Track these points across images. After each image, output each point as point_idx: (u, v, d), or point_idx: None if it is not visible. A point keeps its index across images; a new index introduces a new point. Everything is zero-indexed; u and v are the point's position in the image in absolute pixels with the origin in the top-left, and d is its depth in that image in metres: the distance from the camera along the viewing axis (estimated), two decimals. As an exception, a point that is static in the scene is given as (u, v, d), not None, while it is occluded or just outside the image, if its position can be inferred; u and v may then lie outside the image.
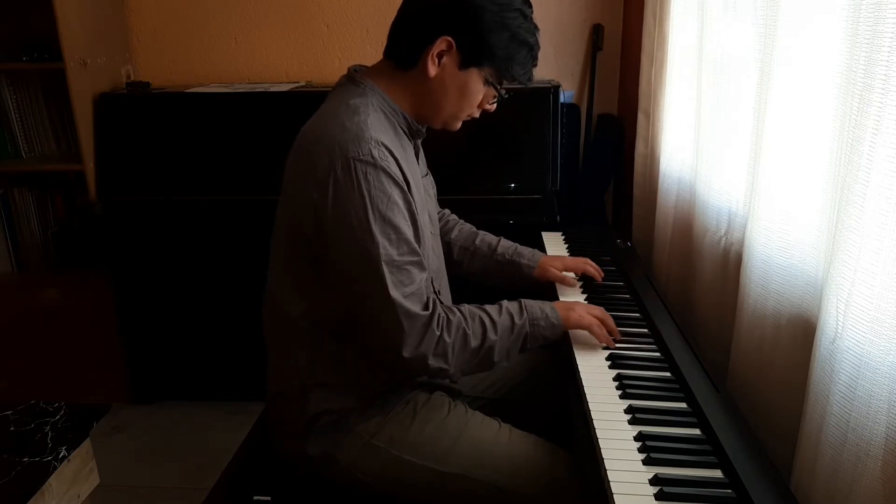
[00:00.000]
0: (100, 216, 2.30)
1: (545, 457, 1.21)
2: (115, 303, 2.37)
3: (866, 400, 0.84)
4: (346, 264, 1.09)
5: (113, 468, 2.05)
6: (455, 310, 1.16)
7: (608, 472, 0.92)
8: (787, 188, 1.10)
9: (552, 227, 2.03)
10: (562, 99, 2.29)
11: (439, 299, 1.17)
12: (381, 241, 1.06)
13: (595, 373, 1.19)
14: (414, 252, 1.11)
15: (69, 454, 1.48)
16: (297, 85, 2.46)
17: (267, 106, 2.32)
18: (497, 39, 1.14)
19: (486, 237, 1.56)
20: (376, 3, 2.49)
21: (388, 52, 1.21)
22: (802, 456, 0.99)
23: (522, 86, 1.24)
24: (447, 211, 1.60)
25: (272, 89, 2.35)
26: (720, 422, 1.03)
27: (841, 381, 0.89)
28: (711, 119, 1.47)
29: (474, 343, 1.15)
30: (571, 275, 1.56)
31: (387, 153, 1.09)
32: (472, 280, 1.54)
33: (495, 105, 1.26)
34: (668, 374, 1.20)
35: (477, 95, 1.20)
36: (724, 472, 0.94)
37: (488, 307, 1.20)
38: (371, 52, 2.51)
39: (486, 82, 1.18)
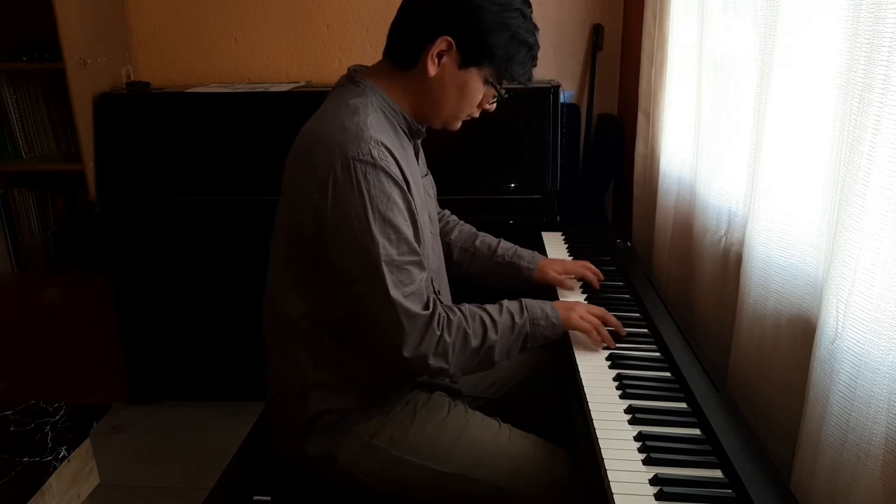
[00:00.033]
0: (100, 216, 2.30)
1: (545, 457, 1.21)
2: (115, 303, 2.37)
3: (866, 400, 0.84)
4: (346, 264, 1.09)
5: (113, 468, 2.05)
6: (455, 309, 1.16)
7: (608, 472, 0.92)
8: (787, 188, 1.10)
9: (552, 227, 2.03)
10: (562, 99, 2.29)
11: (439, 299, 1.17)
12: (381, 240, 1.06)
13: (595, 373, 1.19)
14: (414, 252, 1.11)
15: (69, 454, 1.48)
16: (297, 85, 2.46)
17: (267, 106, 2.32)
18: (497, 39, 1.14)
19: (486, 238, 1.56)
20: (376, 3, 2.49)
21: (388, 51, 1.21)
22: (802, 456, 0.99)
23: (522, 86, 1.24)
24: (447, 212, 1.60)
25: (272, 89, 2.35)
26: (720, 422, 1.03)
27: (841, 381, 0.89)
28: (711, 119, 1.47)
29: (475, 343, 1.15)
30: (572, 279, 1.55)
31: (386, 153, 1.09)
32: (472, 281, 1.54)
33: (495, 105, 1.26)
34: (668, 374, 1.20)
35: (477, 95, 1.20)
36: (724, 472, 0.94)
37: (489, 307, 1.20)
38: (371, 52, 2.51)
39: (486, 82, 1.18)
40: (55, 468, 1.43)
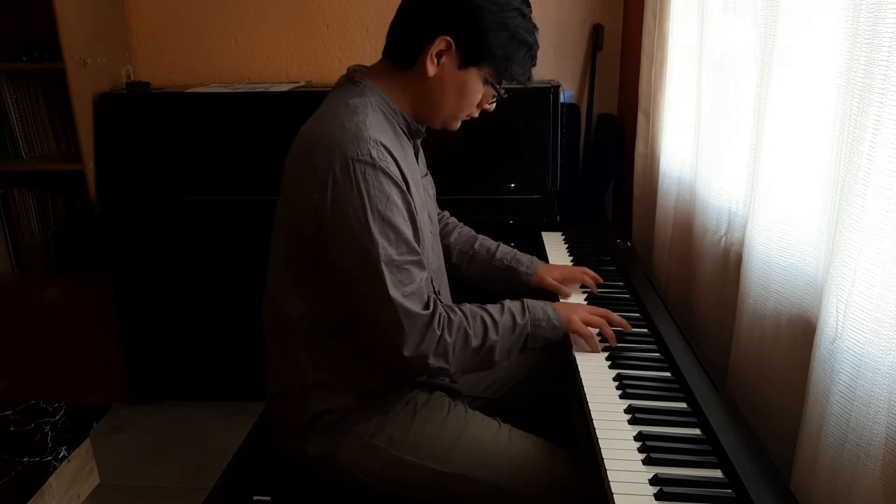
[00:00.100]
0: (100, 216, 2.30)
1: (545, 457, 1.21)
2: (115, 303, 2.37)
3: (866, 400, 0.84)
4: (345, 264, 1.09)
5: (113, 468, 2.05)
6: (456, 309, 1.16)
7: (608, 472, 0.92)
8: (787, 188, 1.10)
9: (552, 227, 2.03)
10: (562, 99, 2.29)
11: (439, 299, 1.17)
12: (381, 241, 1.06)
13: (595, 373, 1.19)
14: (413, 252, 1.11)
15: (69, 454, 1.48)
16: (297, 85, 2.46)
17: (267, 106, 2.32)
18: (496, 39, 1.14)
19: (484, 242, 1.56)
20: (376, 3, 2.49)
21: (388, 51, 1.21)
22: (802, 456, 0.99)
23: (522, 86, 1.23)
24: (446, 213, 1.60)
25: (272, 89, 2.35)
26: (720, 422, 1.03)
27: (841, 381, 0.88)
28: (711, 119, 1.47)
29: (475, 343, 1.15)
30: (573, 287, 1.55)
31: (385, 153, 1.09)
32: (471, 284, 1.54)
33: (494, 105, 1.26)
34: (668, 374, 1.20)
35: (476, 95, 1.20)
36: (724, 472, 0.94)
37: (490, 306, 1.20)
38: (371, 52, 2.51)
39: (486, 82, 1.18)
40: (55, 468, 1.43)
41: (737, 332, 1.27)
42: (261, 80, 2.58)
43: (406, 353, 1.09)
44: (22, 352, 2.41)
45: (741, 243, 1.28)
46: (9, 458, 1.41)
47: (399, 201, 1.09)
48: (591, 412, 1.07)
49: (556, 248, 1.86)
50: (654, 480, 0.91)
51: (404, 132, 1.22)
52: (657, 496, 0.88)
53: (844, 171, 0.89)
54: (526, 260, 1.54)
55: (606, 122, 2.52)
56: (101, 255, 2.34)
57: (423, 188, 1.30)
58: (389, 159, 1.09)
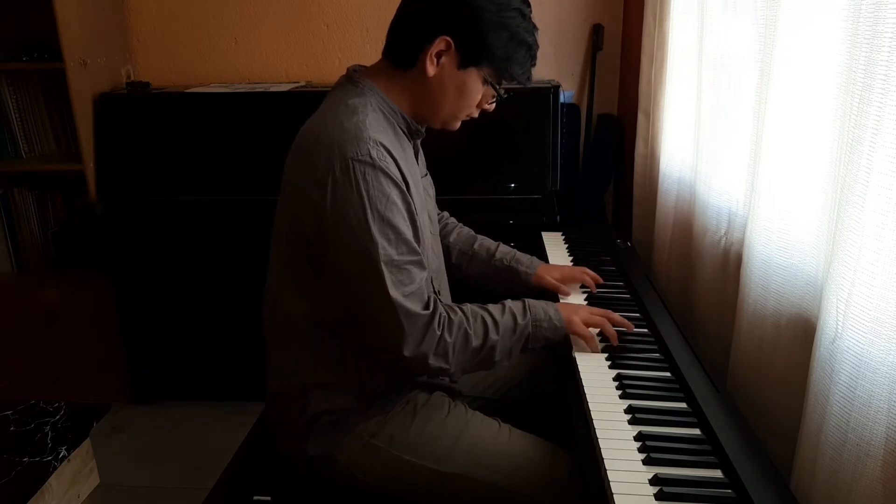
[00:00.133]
0: (100, 216, 2.30)
1: (545, 457, 1.21)
2: (115, 303, 2.37)
3: (866, 400, 0.84)
4: (345, 264, 1.09)
5: (113, 468, 2.05)
6: (457, 309, 1.16)
7: (608, 472, 0.92)
8: (787, 188, 1.10)
9: (552, 227, 2.03)
10: (562, 99, 2.29)
11: (439, 299, 1.17)
12: (380, 241, 1.06)
13: (595, 373, 1.19)
14: (413, 252, 1.11)
15: (69, 454, 1.48)
16: (297, 85, 2.46)
17: (267, 106, 2.32)
18: (496, 39, 1.14)
19: (484, 242, 1.56)
20: (376, 3, 2.49)
21: (387, 51, 1.21)
22: (802, 456, 0.99)
23: (522, 86, 1.23)
24: (445, 213, 1.60)
25: (272, 89, 2.35)
26: (720, 422, 1.03)
27: (841, 381, 0.88)
28: (711, 119, 1.47)
29: (476, 343, 1.15)
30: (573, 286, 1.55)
31: (385, 153, 1.09)
32: (470, 284, 1.54)
33: (494, 105, 1.26)
34: (668, 374, 1.20)
35: (476, 95, 1.20)
36: (724, 472, 0.94)
37: (491, 306, 1.20)
38: (371, 52, 2.51)
39: (485, 82, 1.18)
40: (55, 468, 1.43)
41: (737, 332, 1.27)
42: (261, 80, 2.58)
43: (406, 353, 1.09)
44: (22, 352, 2.41)
45: (741, 243, 1.28)
46: (9, 458, 1.41)
47: (399, 201, 1.09)
48: (591, 412, 1.07)
49: (556, 248, 1.86)
50: (654, 480, 0.91)
51: (404, 132, 1.22)
52: (657, 496, 0.88)
53: (844, 171, 0.89)
54: (526, 260, 1.54)
55: (606, 122, 2.52)
56: (101, 255, 2.34)
57: (422, 188, 1.30)
58: (389, 159, 1.09)
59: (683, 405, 1.10)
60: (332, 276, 1.12)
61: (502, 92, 1.22)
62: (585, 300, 1.48)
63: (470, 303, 1.21)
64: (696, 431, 1.03)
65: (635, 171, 2.06)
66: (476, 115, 1.25)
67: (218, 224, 2.24)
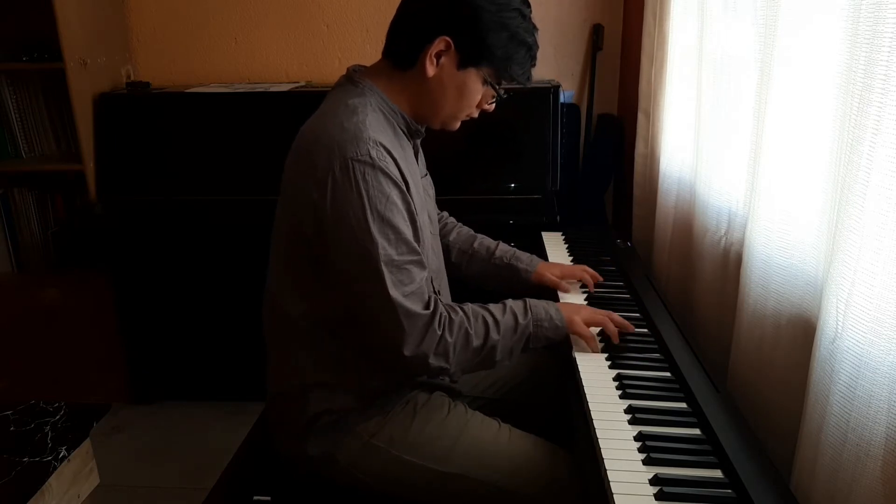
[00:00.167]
0: (100, 216, 2.30)
1: (545, 457, 1.21)
2: (115, 303, 2.37)
3: (866, 400, 0.84)
4: (345, 264, 1.09)
5: (113, 468, 2.05)
6: (458, 309, 1.16)
7: (608, 472, 0.92)
8: (787, 188, 1.10)
9: (552, 227, 2.03)
10: (562, 99, 2.29)
11: (440, 299, 1.17)
12: (380, 241, 1.06)
13: (595, 373, 1.19)
14: (413, 251, 1.11)
15: (69, 454, 1.48)
16: (297, 85, 2.46)
17: (267, 106, 2.32)
18: (495, 39, 1.14)
19: (484, 240, 1.56)
20: (376, 3, 2.49)
21: (387, 51, 1.21)
22: (802, 456, 0.99)
23: (522, 86, 1.23)
24: (445, 213, 1.60)
25: (272, 89, 2.35)
26: (720, 422, 1.03)
27: (841, 381, 0.88)
28: (711, 119, 1.47)
29: (476, 342, 1.15)
30: (570, 282, 1.55)
31: (385, 153, 1.09)
32: (470, 283, 1.54)
33: (494, 105, 1.26)
34: (668, 374, 1.20)
35: (475, 95, 1.20)
36: (724, 472, 0.94)
37: (492, 306, 1.20)
38: (371, 52, 2.51)
39: (485, 82, 1.18)
40: (55, 468, 1.43)
41: (737, 332, 1.27)
42: (261, 80, 2.58)
43: (406, 352, 1.09)
44: (22, 352, 2.41)
45: (741, 243, 1.28)
46: (9, 458, 1.41)
47: (398, 201, 1.09)
48: (591, 412, 1.07)
49: (556, 248, 1.86)
50: (654, 480, 0.91)
51: (404, 132, 1.22)
52: (657, 496, 0.88)
53: (844, 171, 0.89)
54: (525, 258, 1.54)
55: (606, 122, 2.52)
56: (101, 255, 2.34)
57: (422, 188, 1.30)
58: (389, 159, 1.09)
59: (683, 405, 1.10)
60: (332, 276, 1.12)
61: (502, 92, 1.22)
62: (585, 300, 1.48)
63: (470, 302, 1.21)
64: (696, 431, 1.03)
65: (635, 171, 2.06)
66: (476, 115, 1.25)
67: (218, 224, 2.24)
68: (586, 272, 1.53)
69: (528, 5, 1.19)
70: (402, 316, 1.08)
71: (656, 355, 1.26)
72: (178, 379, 2.48)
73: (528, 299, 1.25)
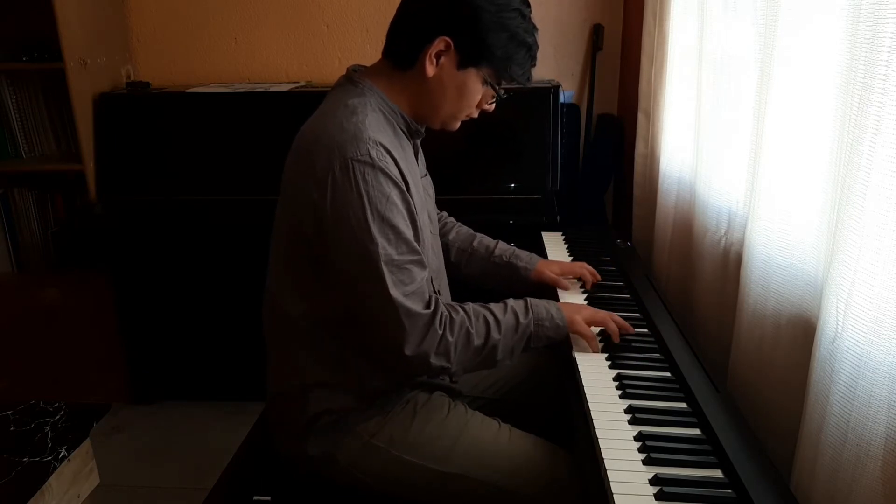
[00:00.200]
0: (100, 216, 2.30)
1: (545, 457, 1.21)
2: (115, 303, 2.37)
3: (866, 400, 0.84)
4: (346, 264, 1.09)
5: (113, 468, 2.05)
6: (459, 308, 1.16)
7: (608, 472, 0.92)
8: (787, 188, 1.10)
9: (552, 227, 2.03)
10: (562, 99, 2.29)
11: (441, 298, 1.17)
12: (381, 240, 1.06)
13: (595, 373, 1.19)
14: (414, 251, 1.11)
15: (69, 454, 1.48)
16: (297, 85, 2.46)
17: (267, 106, 2.32)
18: (495, 39, 1.14)
19: (483, 239, 1.56)
20: (376, 3, 2.49)
21: (387, 51, 1.21)
22: (802, 456, 0.99)
23: (522, 86, 1.23)
24: (445, 213, 1.60)
25: (272, 89, 2.35)
26: (720, 422, 1.03)
27: (841, 381, 0.88)
28: (711, 119, 1.47)
29: (477, 342, 1.15)
30: (570, 279, 1.55)
31: (385, 153, 1.09)
32: (470, 282, 1.54)
33: (494, 105, 1.26)
34: (668, 374, 1.20)
35: (475, 95, 1.20)
36: (724, 472, 0.94)
37: (493, 305, 1.20)
38: (371, 52, 2.51)
39: (485, 82, 1.18)
40: (55, 468, 1.43)
41: (737, 332, 1.27)
42: (261, 80, 2.58)
43: (407, 352, 1.09)
44: (22, 352, 2.41)
45: (741, 243, 1.28)
46: (9, 458, 1.41)
47: (398, 201, 1.09)
48: (591, 412, 1.07)
49: (556, 248, 1.86)
50: (654, 480, 0.91)
51: (404, 132, 1.22)
52: (657, 496, 0.88)
53: (844, 171, 0.89)
54: (525, 256, 1.54)
55: (606, 122, 2.52)
56: (101, 255, 2.34)
57: (422, 188, 1.30)
58: (389, 159, 1.09)
59: (683, 405, 1.10)
60: (333, 276, 1.12)
61: (502, 92, 1.22)
62: (585, 300, 1.48)
63: (471, 302, 1.21)
64: (696, 431, 1.03)
65: (635, 171, 2.06)
66: (476, 115, 1.25)
67: (218, 224, 2.24)
68: (585, 268, 1.54)
69: (528, 5, 1.19)
70: (403, 315, 1.08)
71: (656, 355, 1.26)
72: (178, 379, 2.48)
73: (529, 299, 1.25)
